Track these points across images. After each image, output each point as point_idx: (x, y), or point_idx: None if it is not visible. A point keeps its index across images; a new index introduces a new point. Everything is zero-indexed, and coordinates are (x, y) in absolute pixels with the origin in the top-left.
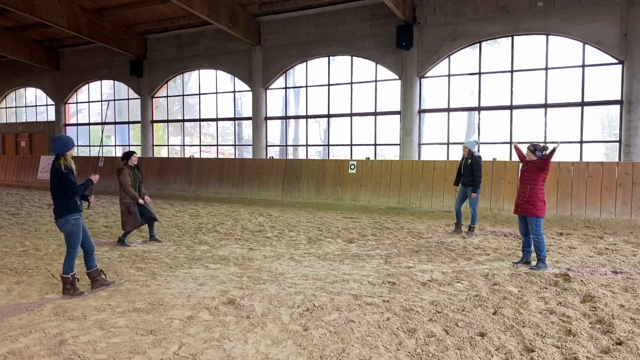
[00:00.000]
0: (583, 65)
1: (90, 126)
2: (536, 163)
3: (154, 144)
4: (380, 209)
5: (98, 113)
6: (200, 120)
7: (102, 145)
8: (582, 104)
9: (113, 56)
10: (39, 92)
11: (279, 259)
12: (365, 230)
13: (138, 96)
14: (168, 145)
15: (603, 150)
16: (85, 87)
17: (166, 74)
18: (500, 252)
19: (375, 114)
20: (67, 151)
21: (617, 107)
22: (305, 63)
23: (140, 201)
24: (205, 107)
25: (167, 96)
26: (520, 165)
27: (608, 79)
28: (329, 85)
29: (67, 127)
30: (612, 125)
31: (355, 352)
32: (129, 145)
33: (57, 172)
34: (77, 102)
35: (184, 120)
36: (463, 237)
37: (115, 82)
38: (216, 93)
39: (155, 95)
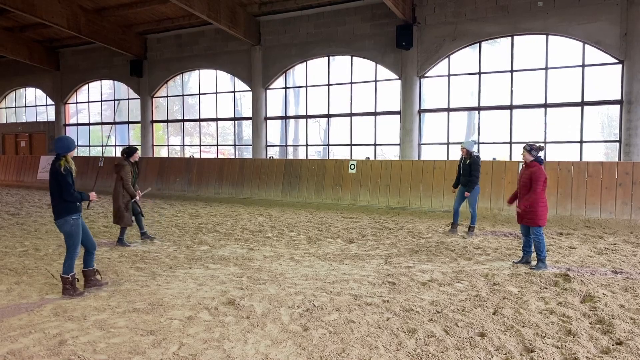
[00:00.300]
0: (583, 65)
1: (90, 126)
2: (531, 175)
3: (154, 144)
4: (380, 209)
5: (98, 113)
6: (200, 120)
7: (106, 145)
8: (582, 103)
9: (113, 56)
10: (39, 92)
11: (279, 259)
12: (365, 230)
13: (138, 96)
14: (168, 145)
15: (603, 150)
16: (85, 87)
17: (166, 74)
18: (500, 252)
19: (375, 113)
20: (69, 152)
21: (617, 106)
22: (305, 63)
23: (137, 197)
24: (205, 107)
25: (167, 96)
26: (520, 166)
27: (608, 79)
28: (328, 85)
29: (67, 127)
30: (612, 125)
31: (355, 352)
32: (129, 145)
33: (56, 173)
34: (77, 102)
35: (183, 120)
36: (463, 237)
37: (115, 82)
38: (216, 93)
39: (155, 95)
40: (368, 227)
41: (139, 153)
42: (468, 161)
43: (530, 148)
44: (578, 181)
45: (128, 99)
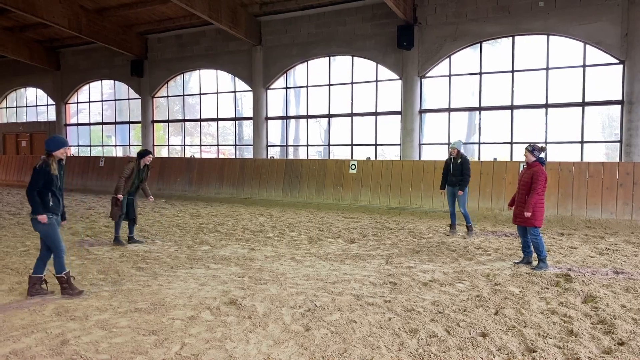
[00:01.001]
0: (584, 66)
1: (91, 126)
2: (533, 175)
3: (155, 144)
4: (381, 209)
5: (98, 113)
6: (200, 120)
7: (130, 145)
8: (583, 104)
9: (114, 56)
10: (40, 92)
11: (280, 259)
12: (366, 231)
13: (139, 96)
14: (169, 145)
15: (604, 150)
16: (86, 87)
17: (167, 74)
18: (501, 252)
19: (376, 114)
20: (56, 150)
21: (618, 107)
22: (306, 63)
23: (119, 196)
24: (206, 107)
25: (168, 96)
26: (521, 166)
27: (609, 79)
28: (329, 85)
29: (67, 127)
30: (612, 125)
31: (357, 352)
32: (129, 145)
33: (33, 168)
34: (77, 102)
35: (184, 120)
36: (464, 238)
37: (116, 82)
38: (217, 93)
39: (155, 95)
40: (369, 227)
41: (151, 157)
42: (459, 161)
43: (533, 149)
44: (579, 181)
45: (129, 99)
